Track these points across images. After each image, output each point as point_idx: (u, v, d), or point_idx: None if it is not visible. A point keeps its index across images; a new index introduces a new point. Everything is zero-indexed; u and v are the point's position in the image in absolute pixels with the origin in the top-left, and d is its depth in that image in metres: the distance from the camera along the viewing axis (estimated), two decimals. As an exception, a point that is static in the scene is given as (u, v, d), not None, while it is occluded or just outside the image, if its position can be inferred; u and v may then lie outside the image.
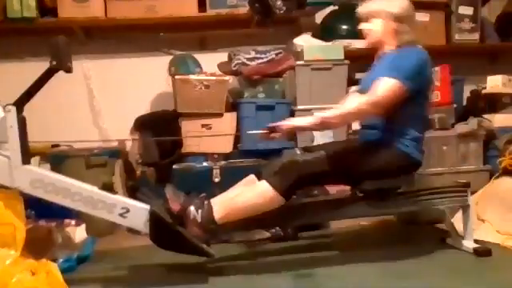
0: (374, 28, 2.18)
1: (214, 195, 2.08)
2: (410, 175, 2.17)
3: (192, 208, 1.95)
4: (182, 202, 1.97)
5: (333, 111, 2.03)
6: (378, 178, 2.07)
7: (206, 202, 1.98)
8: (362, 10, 2.23)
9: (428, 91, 2.17)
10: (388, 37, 2.16)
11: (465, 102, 3.63)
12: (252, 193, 1.99)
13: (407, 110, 2.06)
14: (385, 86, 1.99)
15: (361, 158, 2.06)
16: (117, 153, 3.12)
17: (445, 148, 3.02)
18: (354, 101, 2.06)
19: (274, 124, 2.09)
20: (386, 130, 2.09)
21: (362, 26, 2.22)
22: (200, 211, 1.95)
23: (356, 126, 3.35)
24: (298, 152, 2.16)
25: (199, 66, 3.38)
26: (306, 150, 2.20)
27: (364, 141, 2.19)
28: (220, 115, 3.17)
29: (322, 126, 2.06)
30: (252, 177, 2.17)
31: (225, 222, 1.97)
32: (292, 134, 2.05)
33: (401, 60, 2.05)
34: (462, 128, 3.07)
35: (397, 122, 2.07)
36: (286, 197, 1.98)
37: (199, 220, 1.94)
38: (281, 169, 1.99)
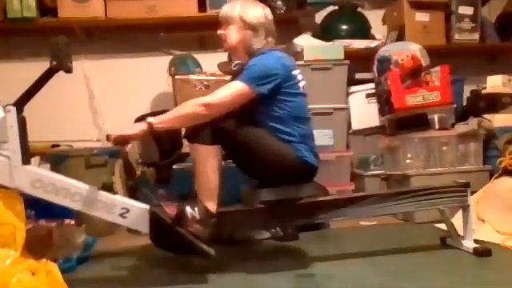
0: (229, 35, 2.16)
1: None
2: (308, 182, 2.12)
3: (188, 208, 1.95)
4: (176, 205, 1.97)
5: (163, 115, 1.98)
6: (268, 175, 2.05)
7: (198, 199, 1.98)
8: (220, 14, 2.20)
9: (291, 89, 2.08)
10: (242, 44, 2.14)
11: (465, 102, 3.62)
12: (204, 162, 1.98)
13: (273, 110, 2.04)
14: (224, 89, 2.01)
15: (255, 149, 2.02)
16: (117, 153, 3.11)
17: (445, 148, 3.02)
18: (186, 103, 2.01)
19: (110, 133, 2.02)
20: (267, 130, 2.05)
21: (218, 31, 2.19)
22: (196, 208, 1.95)
23: (356, 126, 3.38)
24: None
25: (199, 66, 3.38)
26: None
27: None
28: (220, 115, 3.16)
29: (154, 132, 1.96)
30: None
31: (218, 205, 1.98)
32: (124, 143, 2.02)
33: (251, 65, 2.06)
34: (462, 128, 3.06)
35: (267, 123, 2.04)
36: (214, 143, 1.97)
37: (198, 217, 1.94)
38: (197, 126, 1.98)
